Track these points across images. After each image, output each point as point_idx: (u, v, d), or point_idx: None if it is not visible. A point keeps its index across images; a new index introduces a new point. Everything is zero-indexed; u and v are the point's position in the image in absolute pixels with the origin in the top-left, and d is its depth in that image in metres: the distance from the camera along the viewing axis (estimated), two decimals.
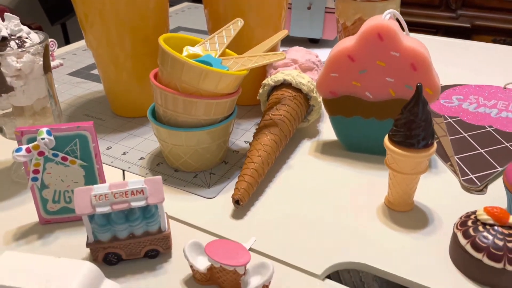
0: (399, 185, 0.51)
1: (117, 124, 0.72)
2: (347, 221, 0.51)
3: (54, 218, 0.51)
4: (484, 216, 0.44)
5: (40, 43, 0.53)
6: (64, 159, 0.48)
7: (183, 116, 0.55)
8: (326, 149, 0.65)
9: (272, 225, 0.51)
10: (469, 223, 0.45)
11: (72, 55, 1.00)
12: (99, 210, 0.42)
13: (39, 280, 0.37)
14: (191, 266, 0.43)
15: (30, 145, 0.47)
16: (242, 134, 0.69)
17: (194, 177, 0.59)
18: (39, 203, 0.50)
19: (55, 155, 0.48)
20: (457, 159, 0.60)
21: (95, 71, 0.91)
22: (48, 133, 0.47)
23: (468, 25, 1.99)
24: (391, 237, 0.49)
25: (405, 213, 0.52)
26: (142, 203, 0.43)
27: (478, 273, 0.43)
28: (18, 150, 0.46)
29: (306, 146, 0.66)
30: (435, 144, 0.49)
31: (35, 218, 0.52)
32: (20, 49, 0.51)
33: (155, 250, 0.46)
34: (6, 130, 0.56)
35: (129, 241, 0.45)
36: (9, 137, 0.56)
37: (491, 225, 0.43)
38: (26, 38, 0.53)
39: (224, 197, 0.56)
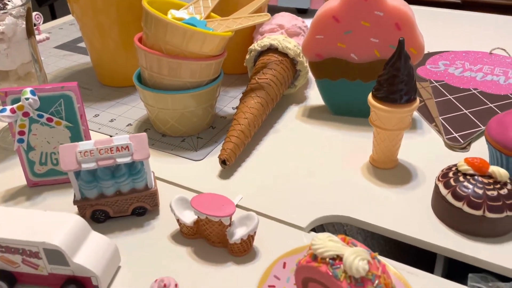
0: (383, 142, 0.51)
1: (104, 93, 0.72)
2: (332, 178, 0.52)
3: (42, 180, 0.52)
4: (464, 167, 0.45)
5: (22, 5, 0.52)
6: (49, 120, 0.48)
7: (169, 79, 0.55)
8: (313, 113, 0.65)
9: (258, 184, 0.52)
10: (450, 174, 0.45)
11: (59, 29, 0.99)
12: (85, 166, 0.43)
13: (26, 231, 0.37)
14: (178, 220, 0.44)
15: (15, 106, 0.47)
16: (230, 101, 0.69)
17: (181, 141, 0.59)
18: (26, 166, 0.50)
19: (40, 116, 0.48)
20: (441, 120, 0.61)
21: (82, 44, 0.90)
22: (32, 93, 0.46)
23: (459, 1, 1.98)
24: (375, 192, 0.50)
25: (389, 170, 0.53)
26: (127, 159, 0.44)
27: (459, 222, 0.44)
28: (2, 110, 0.46)
29: (293, 111, 0.66)
30: (418, 99, 0.49)
31: (23, 182, 0.52)
32: (2, 11, 0.51)
33: (142, 208, 0.47)
34: None
35: (116, 198, 0.45)
36: None
37: (471, 175, 0.44)
38: (8, 0, 0.52)
39: (211, 160, 0.56)
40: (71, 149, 0.43)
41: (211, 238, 0.43)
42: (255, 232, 0.42)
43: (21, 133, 0.48)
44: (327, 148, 0.58)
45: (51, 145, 0.50)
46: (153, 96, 0.56)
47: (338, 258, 0.33)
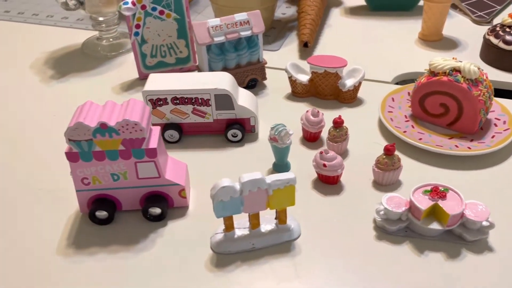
0: (434, 16, 0.62)
1: None
2: (396, 49, 0.63)
3: (151, 72, 0.58)
4: (508, 20, 0.57)
5: None
6: (161, 12, 0.55)
7: None
8: (354, 11, 0.75)
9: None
10: (497, 28, 0.57)
11: None
12: (216, 39, 0.50)
13: (196, 84, 0.45)
14: (294, 81, 0.53)
15: None
16: (276, 10, 0.77)
17: None
18: (139, 58, 0.57)
19: (154, 9, 0.54)
20: (464, 5, 0.73)
21: None
22: None
23: None
24: (433, 55, 0.60)
25: (438, 42, 0.64)
26: (248, 33, 0.51)
27: (508, 62, 0.56)
28: (125, 3, 0.52)
29: (336, 12, 0.75)
30: None
31: (135, 75, 0.58)
32: None
33: (254, 80, 0.55)
34: (87, 2, 0.60)
35: (236, 70, 0.53)
36: (88, 10, 0.61)
37: None
38: None
39: (287, 48, 0.65)
40: (203, 25, 0.50)
41: (324, 92, 0.53)
42: (361, 82, 0.52)
43: (137, 26, 0.54)
44: (380, 32, 0.68)
45: (161, 37, 0.56)
46: None
47: (454, 70, 0.44)
